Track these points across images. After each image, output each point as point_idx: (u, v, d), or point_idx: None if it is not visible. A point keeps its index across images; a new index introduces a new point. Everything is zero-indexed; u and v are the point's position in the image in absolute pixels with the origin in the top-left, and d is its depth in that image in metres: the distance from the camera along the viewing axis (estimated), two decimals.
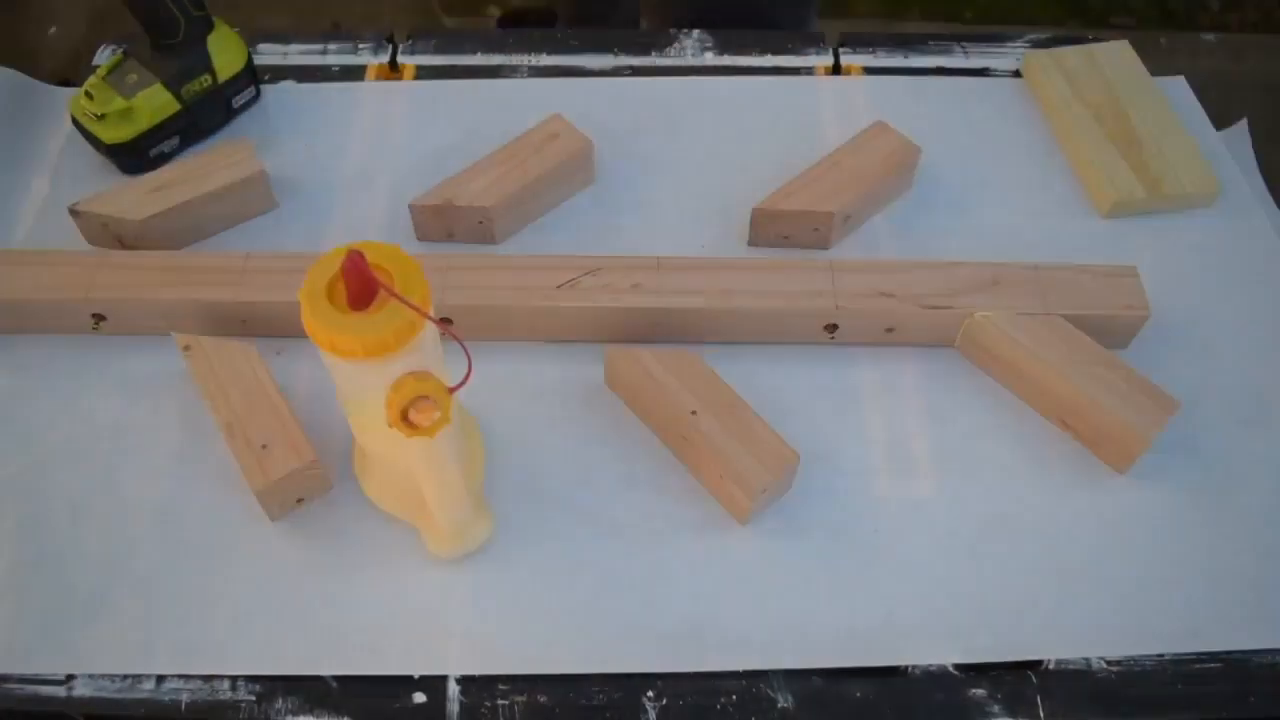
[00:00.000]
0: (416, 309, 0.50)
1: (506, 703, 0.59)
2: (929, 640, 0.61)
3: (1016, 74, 0.93)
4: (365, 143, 0.86)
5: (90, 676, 0.60)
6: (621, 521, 0.65)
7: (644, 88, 0.91)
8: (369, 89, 0.91)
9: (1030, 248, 0.76)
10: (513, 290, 0.71)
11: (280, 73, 0.92)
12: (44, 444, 0.68)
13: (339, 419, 0.67)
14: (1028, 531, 0.65)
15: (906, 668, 0.60)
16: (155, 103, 0.81)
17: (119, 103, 0.79)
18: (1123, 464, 0.67)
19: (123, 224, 0.76)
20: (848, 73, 0.93)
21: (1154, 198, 0.80)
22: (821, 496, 0.66)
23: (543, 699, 0.59)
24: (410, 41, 0.95)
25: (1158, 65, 0.90)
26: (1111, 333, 0.71)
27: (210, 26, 0.83)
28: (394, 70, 0.93)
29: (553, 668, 0.60)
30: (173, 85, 0.81)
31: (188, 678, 0.59)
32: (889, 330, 0.72)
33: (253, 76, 0.87)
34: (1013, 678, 0.60)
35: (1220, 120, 0.88)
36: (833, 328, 0.72)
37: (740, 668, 0.60)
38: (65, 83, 0.91)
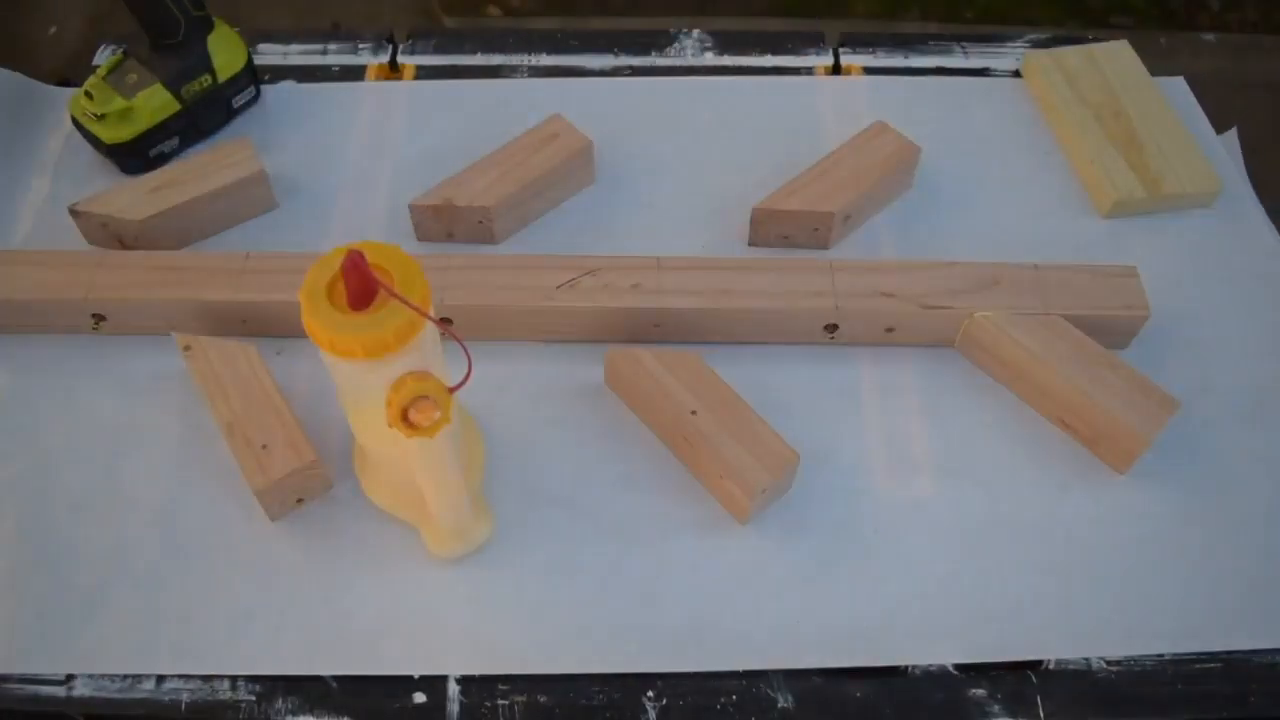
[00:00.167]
0: (416, 309, 0.50)
1: (506, 703, 0.59)
2: (929, 640, 0.61)
3: (1016, 74, 0.93)
4: (365, 143, 0.86)
5: (90, 676, 0.60)
6: (621, 521, 0.65)
7: (644, 88, 0.91)
8: (369, 89, 0.91)
9: (1030, 248, 0.76)
10: (513, 290, 0.71)
11: (280, 73, 0.92)
12: (44, 444, 0.68)
13: (339, 419, 0.67)
14: (1028, 531, 0.65)
15: (906, 668, 0.60)
16: (155, 103, 0.81)
17: (119, 103, 0.79)
18: (1123, 464, 0.67)
19: (123, 224, 0.76)
20: (848, 73, 0.93)
21: (1154, 198, 0.80)
22: (821, 496, 0.66)
23: (543, 699, 0.59)
24: (410, 41, 0.95)
25: (1158, 65, 0.90)
26: (1111, 333, 0.71)
27: (210, 26, 0.83)
28: (394, 70, 0.93)
29: (553, 668, 0.60)
30: (173, 85, 0.81)
31: (188, 678, 0.59)
32: (889, 330, 0.72)
33: (253, 76, 0.87)
34: (1013, 678, 0.60)
35: (1220, 120, 0.88)
36: (833, 328, 0.72)
37: (740, 668, 0.60)
38: (65, 83, 0.91)
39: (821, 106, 0.89)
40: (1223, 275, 0.78)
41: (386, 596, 0.62)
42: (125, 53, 0.82)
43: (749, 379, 0.68)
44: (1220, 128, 0.88)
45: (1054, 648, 0.61)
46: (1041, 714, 0.59)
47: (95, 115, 0.79)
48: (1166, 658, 0.61)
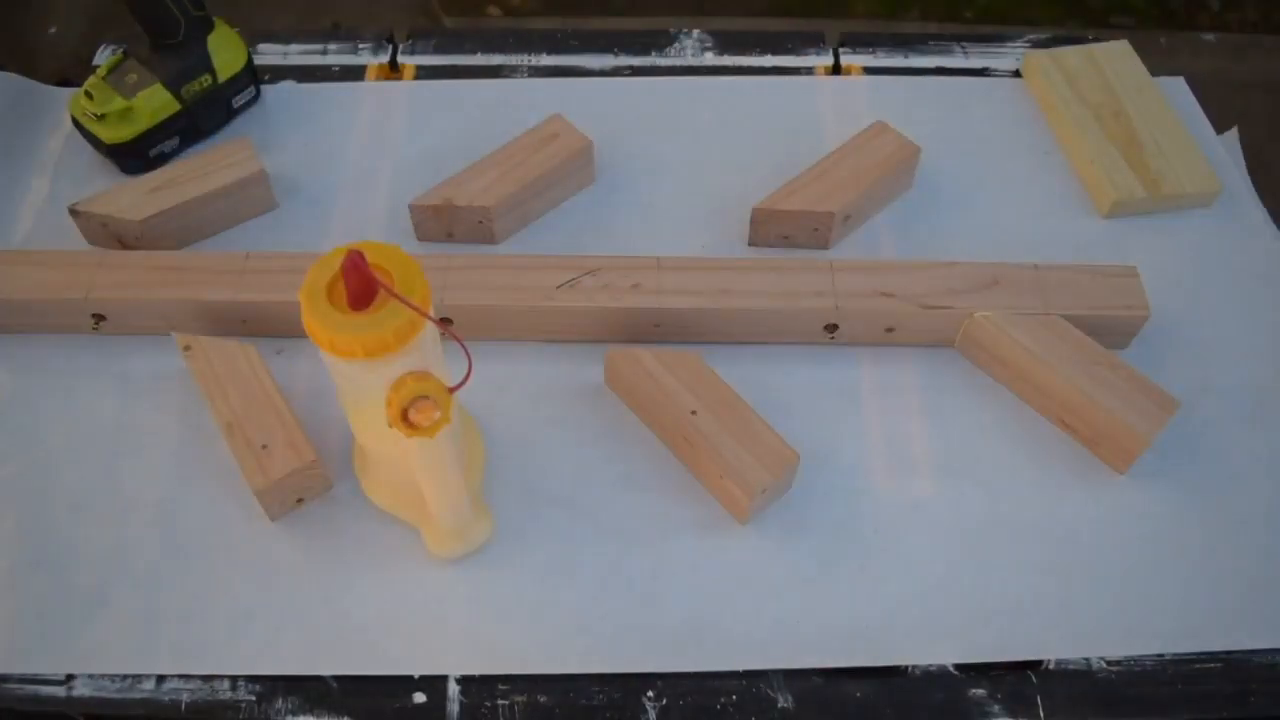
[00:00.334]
0: (416, 309, 0.50)
1: (506, 703, 0.59)
2: (929, 640, 0.61)
3: (1016, 74, 0.93)
4: (365, 143, 0.86)
5: (90, 676, 0.60)
6: (621, 521, 0.65)
7: (644, 88, 0.91)
8: (369, 89, 0.91)
9: (1030, 248, 0.76)
10: (513, 290, 0.71)
11: (280, 73, 0.92)
12: (44, 444, 0.68)
13: (339, 419, 0.67)
14: (1028, 531, 0.65)
15: (906, 668, 0.60)
16: (155, 103, 0.81)
17: (119, 103, 0.79)
18: (1123, 464, 0.67)
19: (123, 224, 0.76)
20: (848, 73, 0.93)
21: (1154, 198, 0.80)
22: (821, 496, 0.66)
23: (543, 699, 0.59)
24: (410, 41, 0.95)
25: (1158, 65, 0.90)
26: (1111, 333, 0.71)
27: (210, 26, 0.83)
28: (394, 70, 0.93)
29: (553, 668, 0.60)
30: (173, 85, 0.81)
31: (188, 678, 0.59)
32: (889, 330, 0.72)
33: (253, 76, 0.87)
34: (1013, 678, 0.60)
35: (1221, 120, 0.88)
36: (833, 328, 0.72)
37: (740, 668, 0.60)
38: (65, 83, 0.91)
39: (821, 106, 0.89)
40: (1223, 275, 0.78)
41: (386, 596, 0.62)
42: (125, 53, 0.82)
43: (749, 379, 0.68)
44: (1220, 128, 0.88)
45: (1054, 648, 0.61)
46: (1041, 714, 0.59)
47: (95, 115, 0.79)
48: (1166, 658, 0.61)
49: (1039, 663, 0.61)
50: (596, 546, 0.64)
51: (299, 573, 0.63)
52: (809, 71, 0.93)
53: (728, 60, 0.94)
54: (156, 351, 0.72)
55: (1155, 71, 0.89)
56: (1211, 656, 0.61)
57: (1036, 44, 0.94)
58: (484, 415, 0.70)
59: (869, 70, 0.93)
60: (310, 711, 0.59)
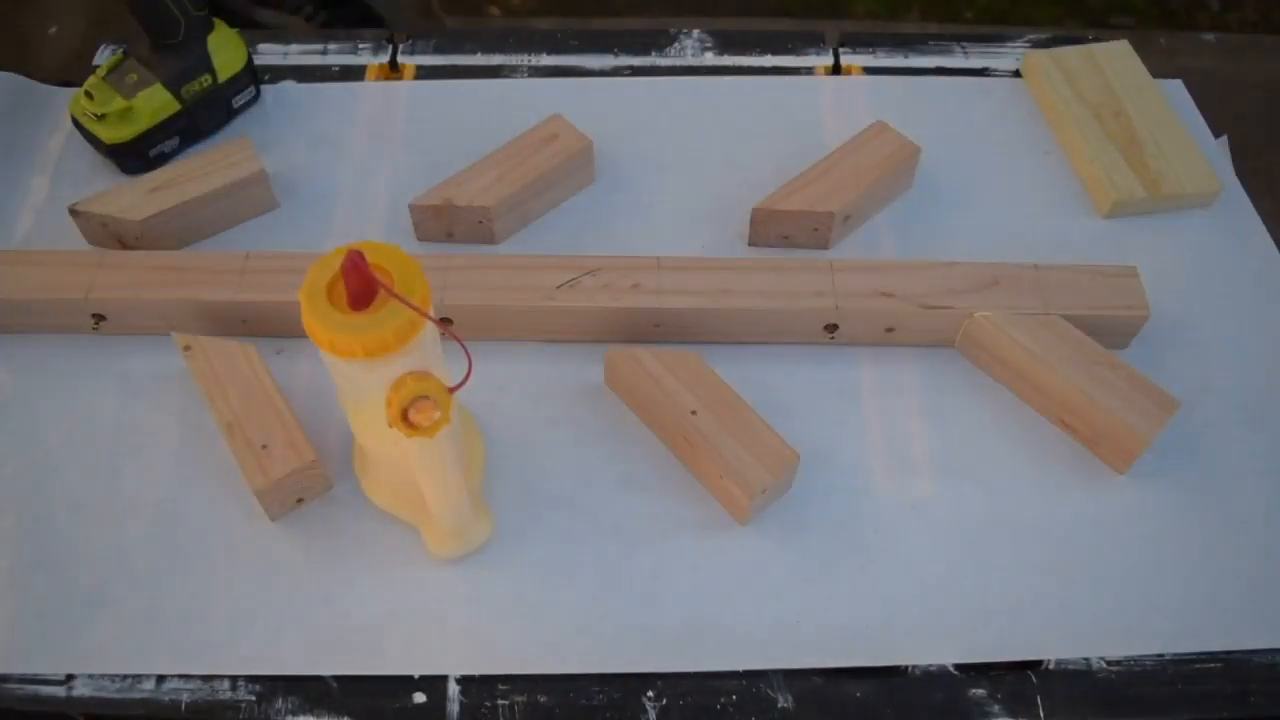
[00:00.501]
0: (416, 309, 0.50)
1: (506, 703, 0.59)
2: (929, 640, 0.61)
3: (1016, 74, 0.93)
4: (365, 143, 0.86)
5: (90, 676, 0.60)
6: (621, 521, 0.65)
7: (644, 88, 0.91)
8: (369, 89, 0.91)
9: (1030, 248, 0.76)
10: (513, 290, 0.71)
11: (280, 73, 0.92)
12: (44, 444, 0.68)
13: (339, 419, 0.67)
14: (1028, 531, 0.65)
15: (906, 668, 0.60)
16: (155, 103, 0.81)
17: (119, 103, 0.79)
18: (1123, 464, 0.67)
19: (123, 224, 0.76)
20: (848, 73, 0.93)
21: (1154, 198, 0.80)
22: (821, 496, 0.66)
23: (543, 699, 0.59)
24: (410, 41, 0.95)
25: (1158, 65, 0.90)
26: (1111, 333, 0.71)
27: (210, 26, 0.83)
28: (394, 70, 0.93)
29: (553, 668, 0.60)
30: (173, 85, 0.81)
31: (188, 678, 0.59)
32: (889, 330, 0.72)
33: (253, 76, 0.87)
34: (1013, 678, 0.60)
35: (1220, 120, 0.88)
36: (833, 328, 0.72)
37: (740, 668, 0.60)
38: (65, 83, 0.91)
39: (821, 106, 0.89)
40: (1223, 275, 0.78)
41: (386, 596, 0.62)
42: (125, 53, 0.82)
43: (749, 379, 0.68)
44: (1220, 127, 0.88)
45: (1054, 648, 0.61)
46: (1041, 714, 0.59)
47: (95, 115, 0.79)
48: (1166, 658, 0.61)
49: (1039, 663, 0.61)
50: (596, 546, 0.64)
51: (299, 573, 0.63)
52: (809, 71, 0.93)
53: (728, 60, 0.94)
54: (156, 351, 0.72)
55: (1155, 72, 0.89)
56: (1211, 656, 0.61)
57: (1036, 44, 0.94)
58: (484, 415, 0.70)
59: (869, 70, 0.93)
60: (310, 711, 0.59)
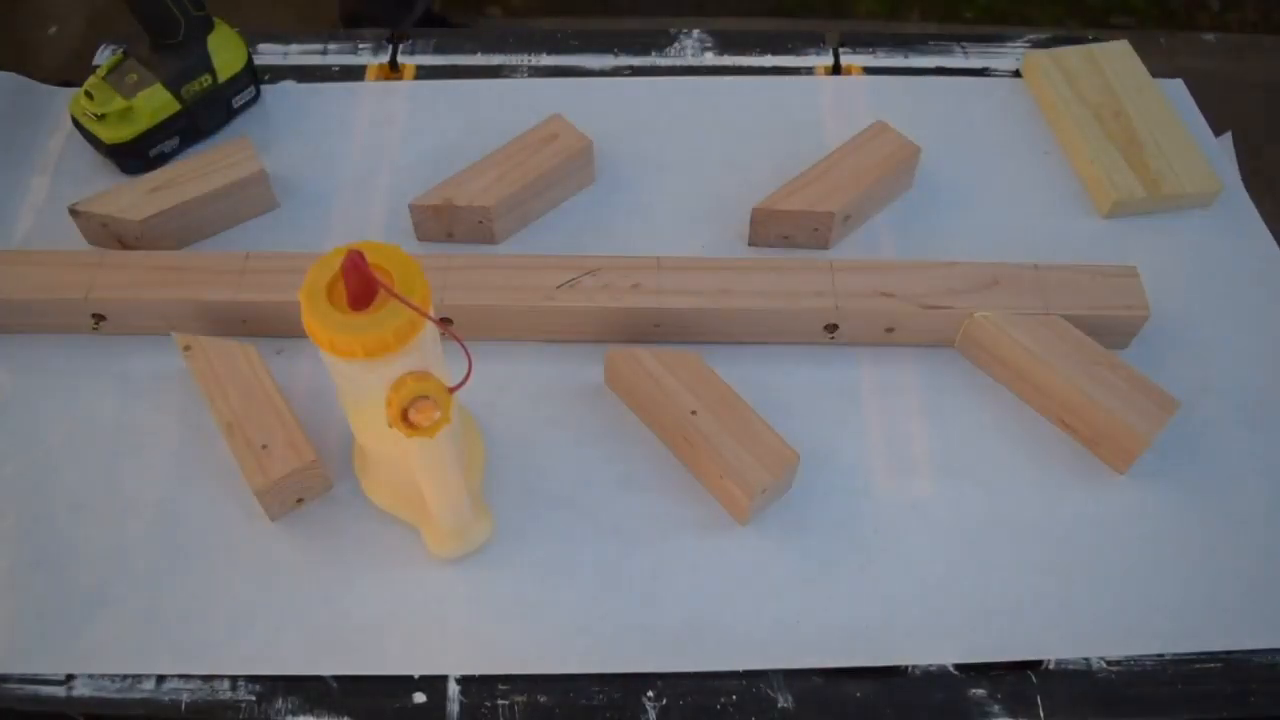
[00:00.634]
0: (416, 309, 0.50)
1: (506, 703, 0.59)
2: (929, 640, 0.61)
3: (1016, 74, 0.93)
4: (365, 143, 0.86)
5: (90, 676, 0.60)
6: (621, 521, 0.65)
7: (644, 88, 0.91)
8: (369, 89, 0.91)
9: (1030, 248, 0.76)
10: (513, 290, 0.71)
11: (280, 73, 0.92)
12: (44, 444, 0.68)
13: (339, 419, 0.67)
14: (1028, 531, 0.65)
15: (906, 668, 0.60)
16: (155, 103, 0.81)
17: (119, 103, 0.79)
18: (1123, 464, 0.67)
19: (123, 224, 0.76)
20: (848, 73, 0.93)
21: (1154, 198, 0.80)
22: (821, 496, 0.66)
23: (543, 699, 0.59)
24: (410, 41, 0.95)
25: (1158, 65, 0.90)
26: (1111, 333, 0.71)
27: (210, 26, 0.83)
28: (394, 70, 0.93)
29: (553, 668, 0.60)
30: (173, 85, 0.81)
31: (188, 678, 0.59)
32: (889, 330, 0.72)
33: (253, 76, 0.87)
34: (1013, 678, 0.60)
35: (1220, 120, 0.88)
36: (833, 328, 0.72)
37: (740, 668, 0.60)
38: (65, 83, 0.91)
39: (821, 106, 0.89)
40: (1223, 275, 0.78)
41: (386, 596, 0.62)
42: (125, 53, 0.82)
43: (749, 379, 0.68)
44: (1220, 128, 0.88)
45: (1054, 648, 0.61)
46: (1041, 714, 0.59)
47: (95, 115, 0.79)
48: (1166, 658, 0.61)
49: (1039, 663, 0.61)
50: (596, 546, 0.64)
51: (299, 573, 0.63)
52: (809, 71, 0.93)
53: (728, 60, 0.94)
54: (156, 351, 0.72)
55: (1155, 72, 0.89)
56: (1211, 656, 0.61)
57: (1036, 44, 0.94)
58: (484, 415, 0.70)
59: (869, 70, 0.93)
60: (310, 711, 0.59)
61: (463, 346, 0.51)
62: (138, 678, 0.60)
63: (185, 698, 0.59)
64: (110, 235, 0.77)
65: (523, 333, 0.73)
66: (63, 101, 0.88)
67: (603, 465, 0.68)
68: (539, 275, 0.72)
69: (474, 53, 0.95)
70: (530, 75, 0.93)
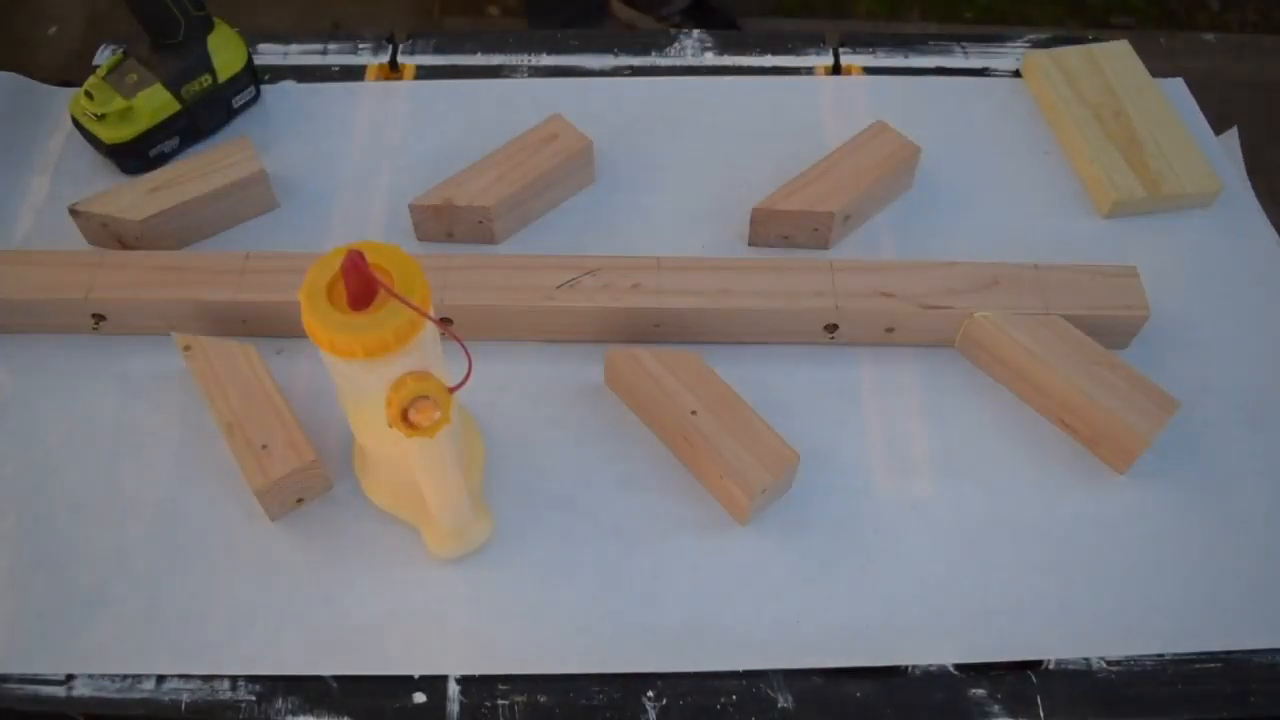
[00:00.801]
0: (416, 309, 0.50)
1: (506, 703, 0.59)
2: (929, 640, 0.61)
3: (1016, 74, 0.93)
4: (365, 143, 0.86)
5: (90, 676, 0.60)
6: (621, 521, 0.65)
7: (644, 88, 0.91)
8: (369, 89, 0.91)
9: (1030, 248, 0.76)
10: (513, 290, 0.71)
11: (280, 73, 0.92)
12: (44, 444, 0.68)
13: (339, 419, 0.67)
14: (1028, 531, 0.65)
15: (906, 668, 0.60)
16: (155, 103, 0.81)
17: (119, 103, 0.79)
18: (1123, 464, 0.67)
19: (123, 224, 0.76)
20: (848, 73, 0.93)
21: (1154, 198, 0.80)
22: (821, 496, 0.66)
23: (543, 699, 0.59)
24: (410, 41, 0.95)
25: (1158, 65, 0.90)
26: (1111, 333, 0.71)
27: (210, 26, 0.83)
28: (394, 70, 0.93)
29: (553, 668, 0.60)
30: (173, 85, 0.81)
31: (188, 678, 0.59)
32: (889, 330, 0.72)
33: (253, 76, 0.87)
34: (1013, 678, 0.60)
35: (1220, 120, 0.88)
36: (833, 328, 0.72)
37: (740, 668, 0.60)
38: (65, 83, 0.91)
39: (821, 106, 0.89)
40: (1223, 275, 0.78)
41: (386, 596, 0.62)
42: (125, 53, 0.82)
43: (749, 379, 0.68)
44: (1220, 127, 0.88)
45: (1054, 648, 0.61)
46: (1041, 714, 0.59)
47: (95, 115, 0.79)
48: (1166, 658, 0.61)
49: (1039, 663, 0.61)
50: (596, 546, 0.64)
51: (299, 573, 0.63)
52: (809, 71, 0.93)
53: (728, 60, 0.94)
54: (156, 351, 0.72)
55: (1155, 72, 0.89)
56: (1211, 656, 0.61)
57: (1036, 44, 0.94)
58: (484, 415, 0.70)
59: (869, 70, 0.93)
60: (310, 711, 0.59)
61: (463, 346, 0.51)
62: (138, 678, 0.60)
63: (185, 698, 0.59)
64: (110, 235, 0.77)
65: (523, 333, 0.73)
66: (63, 101, 0.88)
67: (603, 465, 0.68)
68: (539, 275, 0.72)
69: (474, 53, 0.95)
70: (530, 75, 0.93)
